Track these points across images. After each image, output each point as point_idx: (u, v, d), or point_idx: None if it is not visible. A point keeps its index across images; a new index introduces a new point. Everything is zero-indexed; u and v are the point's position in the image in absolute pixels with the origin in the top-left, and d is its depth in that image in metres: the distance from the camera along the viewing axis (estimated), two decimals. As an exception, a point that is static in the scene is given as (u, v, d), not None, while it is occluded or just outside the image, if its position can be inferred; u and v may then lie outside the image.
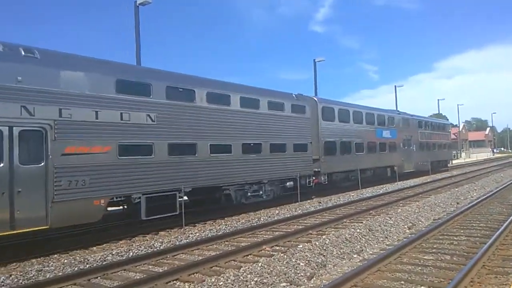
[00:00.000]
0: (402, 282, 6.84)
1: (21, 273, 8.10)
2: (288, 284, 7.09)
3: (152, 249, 9.98)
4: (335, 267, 8.26)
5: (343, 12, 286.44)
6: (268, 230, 11.97)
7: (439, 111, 74.53)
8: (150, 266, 8.56)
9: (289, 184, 17.59)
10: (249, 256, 8.93)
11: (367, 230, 10.98)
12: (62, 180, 9.84)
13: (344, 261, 8.65)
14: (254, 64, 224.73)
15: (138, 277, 7.62)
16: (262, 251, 9.29)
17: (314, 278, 7.47)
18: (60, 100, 10.04)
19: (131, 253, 9.68)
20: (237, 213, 15.30)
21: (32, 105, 9.51)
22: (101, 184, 10.65)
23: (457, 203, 16.27)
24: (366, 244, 9.96)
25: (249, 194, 15.66)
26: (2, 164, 9.00)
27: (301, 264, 8.02)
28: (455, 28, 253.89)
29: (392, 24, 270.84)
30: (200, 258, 8.76)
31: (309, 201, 18.59)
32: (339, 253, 9.07)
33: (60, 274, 8.04)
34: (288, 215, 14.35)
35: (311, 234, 10.94)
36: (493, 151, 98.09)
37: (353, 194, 20.48)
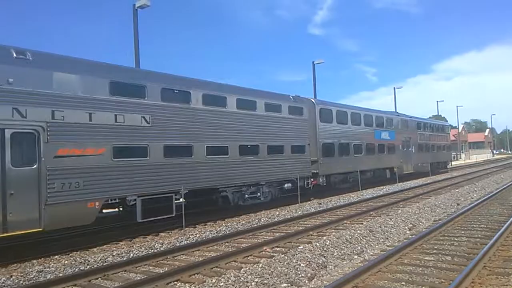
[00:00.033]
0: (403, 283, 6.84)
1: (22, 274, 8.10)
2: (289, 285, 7.08)
3: (152, 250, 9.98)
4: (336, 268, 8.25)
5: (342, 14, 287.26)
6: (269, 231, 11.97)
7: (438, 112, 74.85)
8: (150, 267, 8.56)
9: (287, 185, 17.53)
10: (250, 257, 8.93)
11: (368, 231, 10.97)
12: (55, 183, 9.78)
13: (344, 262, 8.65)
14: (252, 66, 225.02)
15: (138, 278, 7.61)
16: (263, 252, 9.28)
17: (315, 279, 7.46)
18: (53, 102, 9.99)
19: (131, 254, 9.68)
20: (238, 214, 15.29)
21: (24, 107, 9.46)
22: (95, 186, 10.59)
23: (458, 204, 16.26)
24: (366, 245, 9.95)
25: (246, 196, 15.60)
26: None
27: (302, 265, 8.01)
28: (454, 30, 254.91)
29: (390, 26, 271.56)
30: (201, 259, 8.75)
31: (309, 202, 18.59)
32: (339, 254, 9.06)
33: (60, 275, 8.04)
34: (289, 216, 14.34)
35: (311, 235, 10.93)
36: (492, 153, 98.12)
37: (353, 196, 20.47)
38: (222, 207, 15.34)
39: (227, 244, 10.51)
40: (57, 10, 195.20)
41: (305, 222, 13.32)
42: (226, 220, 14.43)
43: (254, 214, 15.56)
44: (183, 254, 9.50)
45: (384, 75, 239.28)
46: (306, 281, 7.30)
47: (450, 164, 41.70)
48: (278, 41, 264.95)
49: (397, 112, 32.01)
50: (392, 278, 7.12)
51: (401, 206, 15.80)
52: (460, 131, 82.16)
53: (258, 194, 16.15)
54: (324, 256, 8.70)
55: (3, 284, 7.58)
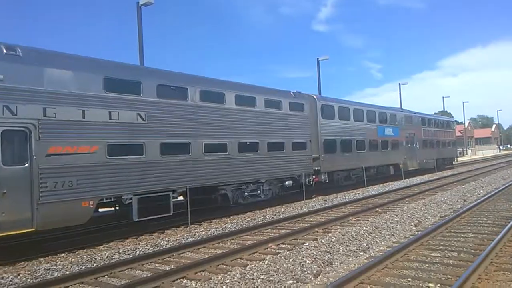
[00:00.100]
0: (409, 279, 6.82)
1: (29, 272, 8.16)
2: (295, 281, 7.08)
3: (158, 248, 10.02)
4: (342, 264, 8.25)
5: (346, 11, 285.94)
6: (274, 228, 11.97)
7: (444, 108, 74.46)
8: (156, 265, 8.60)
9: (287, 183, 17.33)
10: (255, 254, 8.93)
11: (373, 228, 10.95)
12: (47, 181, 9.60)
13: (350, 259, 8.64)
14: (257, 64, 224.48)
15: (145, 276, 7.65)
16: (268, 249, 9.28)
17: (320, 276, 7.47)
18: (44, 99, 9.80)
19: (137, 252, 9.73)
20: (243, 211, 15.30)
21: (15, 104, 9.29)
22: (89, 185, 10.39)
23: (464, 200, 16.19)
24: (372, 242, 9.94)
25: (246, 194, 15.40)
26: None
27: (308, 261, 8.02)
28: (460, 25, 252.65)
29: (395, 22, 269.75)
30: (206, 256, 8.76)
31: (314, 199, 18.58)
32: (345, 250, 9.06)
33: (67, 272, 8.10)
34: (294, 213, 14.34)
35: (317, 232, 10.92)
36: (499, 148, 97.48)
37: (358, 192, 20.43)
38: (221, 205, 15.14)
39: (232, 241, 10.53)
40: (57, 9, 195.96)
41: (311, 219, 13.31)
42: (231, 217, 14.45)
43: (259, 211, 15.57)
44: (188, 251, 9.53)
45: (389, 72, 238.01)
46: (312, 278, 7.31)
47: (456, 160, 41.45)
48: (282, 38, 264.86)
49: (401, 108, 31.83)
50: (398, 275, 7.11)
51: (407, 202, 15.74)
52: (466, 127, 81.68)
53: (259, 192, 15.95)
54: (330, 253, 8.70)
55: (11, 282, 7.65)
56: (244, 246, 9.48)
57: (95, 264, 8.70)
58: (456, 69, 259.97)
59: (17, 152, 9.41)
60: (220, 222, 13.68)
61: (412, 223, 12.02)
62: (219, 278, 7.14)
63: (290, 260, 8.02)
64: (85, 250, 10.20)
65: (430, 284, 6.60)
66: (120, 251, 9.74)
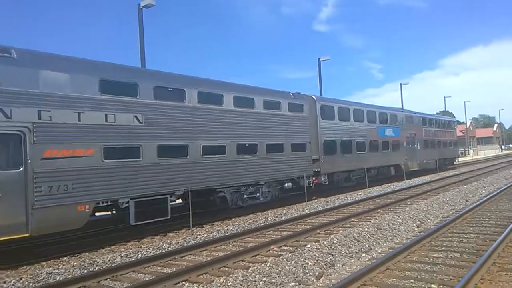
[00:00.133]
0: (412, 281, 6.80)
1: (31, 276, 8.17)
2: (297, 283, 7.08)
3: (160, 251, 10.02)
4: (344, 266, 8.24)
5: (347, 11, 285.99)
6: (276, 230, 11.97)
7: (445, 108, 74.34)
8: (158, 267, 8.60)
9: (287, 185, 17.18)
10: (257, 256, 8.93)
11: (376, 229, 10.93)
12: (42, 186, 9.44)
13: (352, 260, 8.63)
14: (257, 64, 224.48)
15: (147, 278, 7.65)
16: (270, 251, 9.28)
17: (323, 278, 7.46)
18: (39, 102, 9.68)
19: (140, 255, 9.73)
20: (244, 213, 15.29)
21: (9, 107, 9.16)
22: (84, 188, 10.24)
23: (466, 201, 16.15)
24: (374, 243, 9.92)
25: (245, 196, 15.26)
26: None
27: (310, 263, 8.00)
28: (461, 24, 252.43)
29: (396, 21, 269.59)
30: (208, 259, 8.76)
31: (316, 200, 18.56)
32: (347, 252, 9.04)
33: (70, 276, 8.11)
34: (296, 215, 14.31)
35: (319, 233, 10.91)
36: (501, 148, 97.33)
37: (360, 193, 20.41)
38: (220, 208, 14.99)
39: (234, 243, 10.53)
40: (57, 9, 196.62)
41: (312, 221, 13.30)
42: (233, 219, 14.44)
43: (261, 213, 15.56)
44: (191, 254, 9.53)
45: (390, 72, 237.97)
46: (314, 280, 7.30)
47: (457, 160, 41.36)
48: (282, 38, 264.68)
49: (401, 108, 31.73)
50: (400, 276, 7.09)
51: (408, 203, 15.72)
52: (468, 126, 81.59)
53: (258, 194, 15.80)
54: (332, 255, 8.68)
55: (13, 286, 7.65)
56: (246, 248, 9.47)
57: (97, 268, 8.70)
58: (457, 68, 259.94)
59: (12, 156, 9.27)
60: (222, 224, 13.68)
61: (414, 224, 11.99)
62: (221, 280, 7.13)
63: (292, 262, 8.01)
64: (87, 254, 10.19)
65: (432, 285, 6.59)
66: (122, 254, 9.74)
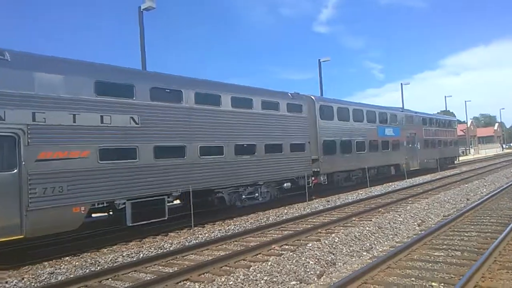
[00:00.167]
0: (413, 279, 6.81)
1: (33, 276, 8.19)
2: (298, 282, 7.09)
3: (162, 250, 10.05)
4: (345, 265, 8.25)
5: (347, 12, 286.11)
6: (277, 230, 11.98)
7: (446, 108, 74.18)
8: (160, 267, 8.61)
9: (286, 185, 17.14)
10: (259, 255, 8.94)
11: (377, 228, 10.95)
12: (37, 188, 9.41)
13: (353, 259, 8.64)
14: (257, 66, 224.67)
15: (148, 278, 7.66)
16: (272, 250, 9.29)
17: (324, 276, 7.47)
18: (34, 103, 9.65)
19: (141, 255, 9.75)
20: (246, 213, 15.30)
21: (2, 109, 9.15)
22: (80, 190, 10.21)
23: (467, 199, 16.15)
24: (375, 242, 9.93)
25: (244, 196, 15.21)
26: None
27: (311, 262, 8.02)
28: (462, 24, 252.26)
29: (396, 22, 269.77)
30: (210, 258, 8.77)
31: (317, 200, 18.57)
32: (348, 251, 9.06)
33: (71, 276, 8.13)
34: (297, 214, 14.32)
35: (320, 232, 10.92)
36: (502, 147, 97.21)
37: (361, 192, 20.41)
38: (221, 208, 14.94)
39: (236, 243, 10.54)
40: (57, 9, 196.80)
41: (314, 220, 13.32)
42: (234, 219, 14.46)
43: (262, 212, 15.58)
44: (192, 254, 9.55)
45: (390, 72, 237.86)
46: (315, 279, 7.31)
47: (457, 160, 41.30)
48: (282, 39, 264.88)
49: (401, 108, 31.68)
50: (401, 274, 7.10)
51: (410, 202, 15.73)
52: (469, 126, 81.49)
53: (256, 194, 15.74)
54: (333, 253, 8.70)
55: (15, 286, 7.68)
56: (247, 247, 9.49)
57: (99, 268, 8.72)
58: (458, 68, 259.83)
59: (6, 158, 9.23)
60: (223, 224, 13.70)
61: (415, 223, 12.00)
62: (223, 279, 7.15)
63: (294, 261, 8.03)
64: (89, 254, 10.22)
65: (433, 284, 6.59)
66: (124, 254, 9.77)
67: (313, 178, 18.59)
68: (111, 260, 9.29)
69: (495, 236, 9.19)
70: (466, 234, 9.82)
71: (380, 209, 14.19)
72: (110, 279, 7.87)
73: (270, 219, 13.94)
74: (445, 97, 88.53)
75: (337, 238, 9.74)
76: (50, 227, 9.81)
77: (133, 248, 10.57)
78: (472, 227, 10.66)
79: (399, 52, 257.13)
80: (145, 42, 18.74)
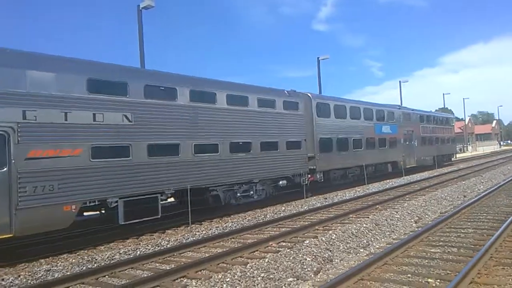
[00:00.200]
0: (409, 275, 6.83)
1: (30, 273, 8.18)
2: (295, 279, 7.10)
3: (159, 248, 10.04)
4: (342, 261, 8.26)
5: (346, 10, 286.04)
6: (275, 227, 11.99)
7: (444, 105, 74.27)
8: (157, 264, 8.62)
9: (282, 183, 17.09)
10: (256, 252, 8.95)
11: (374, 225, 10.97)
12: (26, 186, 9.30)
13: (350, 256, 8.66)
14: (257, 64, 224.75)
15: (145, 275, 7.67)
16: (269, 247, 9.30)
17: (320, 273, 7.48)
18: (24, 101, 9.52)
19: (138, 252, 9.75)
20: (243, 210, 15.30)
21: None
22: (71, 188, 10.08)
23: (464, 196, 16.20)
24: (372, 239, 9.95)
25: (239, 194, 15.15)
26: None
27: (308, 259, 8.04)
28: (461, 22, 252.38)
29: (396, 20, 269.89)
30: (207, 255, 8.77)
31: (314, 197, 18.58)
32: (345, 247, 9.07)
33: (68, 273, 8.12)
34: (294, 212, 14.35)
35: (317, 229, 10.94)
36: (500, 144, 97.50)
37: (359, 190, 20.44)
38: (213, 206, 14.83)
39: (233, 240, 10.55)
40: (57, 9, 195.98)
41: (311, 217, 13.33)
42: (232, 216, 14.46)
43: (260, 210, 15.58)
44: (189, 251, 9.55)
45: (389, 69, 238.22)
46: (312, 275, 7.32)
47: (455, 157, 41.37)
48: (282, 38, 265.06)
49: (398, 105, 31.67)
50: (398, 271, 7.12)
51: (407, 199, 15.76)
52: (466, 123, 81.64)
53: (251, 192, 15.68)
54: (330, 250, 8.71)
55: (12, 284, 7.67)
56: (244, 244, 9.49)
57: (95, 265, 8.72)
58: (457, 65, 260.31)
59: None
60: (220, 221, 13.70)
61: (412, 220, 12.03)
62: (220, 276, 7.16)
63: (291, 258, 8.05)
64: (85, 251, 10.21)
65: (429, 280, 6.63)
66: (121, 251, 9.76)
67: (309, 176, 18.55)
68: (108, 257, 9.29)
69: (491, 232, 9.22)
70: (462, 231, 9.86)
71: (377, 206, 14.21)
72: (107, 276, 7.87)
73: (268, 216, 13.95)
74: (443, 94, 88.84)
75: (334, 235, 9.76)
76: (40, 225, 9.73)
77: (130, 245, 10.56)
78: (469, 224, 10.69)
79: (398, 50, 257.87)
80: (145, 42, 18.69)
